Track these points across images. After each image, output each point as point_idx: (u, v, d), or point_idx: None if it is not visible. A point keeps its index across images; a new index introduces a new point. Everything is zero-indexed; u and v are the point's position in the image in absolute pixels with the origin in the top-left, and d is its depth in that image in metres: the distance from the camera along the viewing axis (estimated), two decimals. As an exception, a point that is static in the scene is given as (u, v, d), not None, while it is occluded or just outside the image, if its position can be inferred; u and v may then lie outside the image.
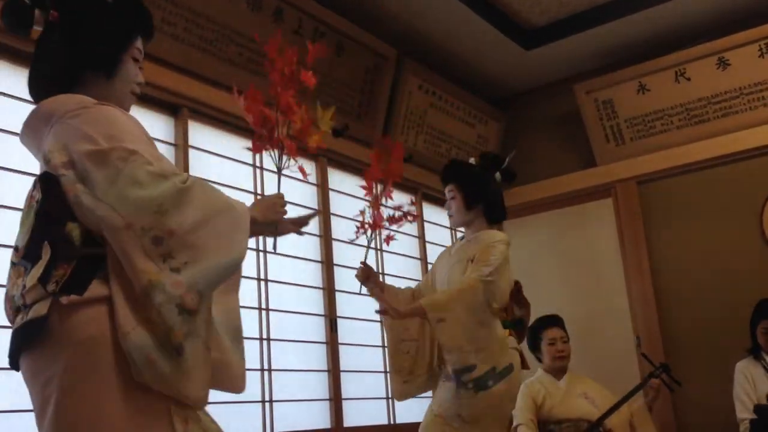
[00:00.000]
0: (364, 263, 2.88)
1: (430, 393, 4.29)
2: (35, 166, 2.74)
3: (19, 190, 2.68)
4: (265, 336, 3.47)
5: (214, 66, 3.41)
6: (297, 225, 1.84)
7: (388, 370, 2.98)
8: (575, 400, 3.82)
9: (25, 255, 1.46)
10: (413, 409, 4.27)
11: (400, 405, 4.17)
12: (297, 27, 3.73)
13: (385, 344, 4.19)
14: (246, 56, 3.53)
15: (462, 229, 3.19)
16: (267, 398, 3.41)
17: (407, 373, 2.94)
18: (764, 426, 3.51)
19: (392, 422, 4.11)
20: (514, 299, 2.98)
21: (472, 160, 3.13)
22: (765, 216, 4.32)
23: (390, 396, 4.14)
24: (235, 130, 3.57)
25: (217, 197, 1.52)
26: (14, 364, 1.48)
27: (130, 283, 1.40)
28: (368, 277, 2.88)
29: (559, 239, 5.00)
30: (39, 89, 1.62)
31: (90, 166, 1.44)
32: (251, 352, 3.40)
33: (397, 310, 2.70)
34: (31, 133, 1.58)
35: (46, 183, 1.47)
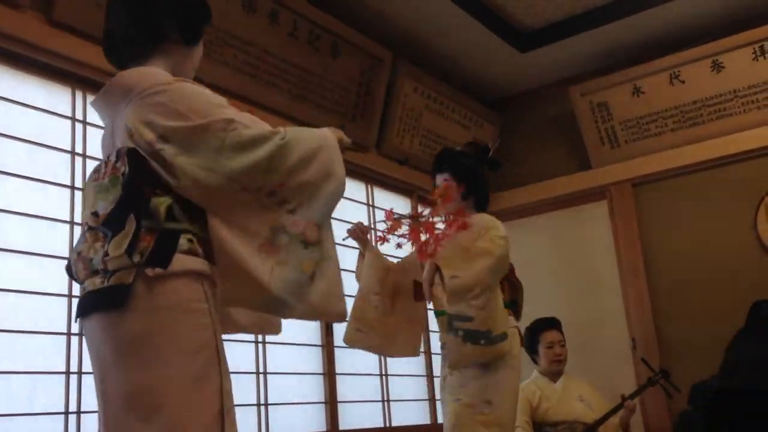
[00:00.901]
0: (360, 224, 2.99)
1: (426, 394, 4.29)
2: (32, 171, 2.73)
3: (32, 198, 2.69)
4: (260, 339, 3.46)
5: (208, 68, 3.39)
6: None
7: (345, 324, 2.95)
8: (571, 403, 3.83)
9: (106, 222, 1.55)
10: (409, 412, 4.28)
11: (395, 408, 4.17)
12: (292, 29, 3.73)
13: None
14: (241, 59, 3.52)
15: None
16: (262, 401, 3.40)
17: (366, 324, 2.91)
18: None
19: (388, 425, 4.11)
20: (508, 280, 2.97)
21: (458, 149, 3.16)
22: (760, 218, 4.33)
23: (387, 399, 4.14)
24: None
25: (311, 138, 1.67)
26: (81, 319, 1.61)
27: (247, 241, 1.57)
28: (361, 236, 2.98)
29: (554, 242, 5.00)
30: (119, 48, 1.72)
31: (189, 138, 1.56)
32: (246, 356, 3.40)
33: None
34: (107, 102, 1.68)
35: (134, 158, 1.56)
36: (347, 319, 1.73)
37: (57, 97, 2.89)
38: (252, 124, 1.62)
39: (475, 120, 5.07)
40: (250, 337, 3.42)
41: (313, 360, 3.76)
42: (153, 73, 1.65)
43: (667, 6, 4.29)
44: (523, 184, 5.08)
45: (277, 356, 3.54)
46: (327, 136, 1.72)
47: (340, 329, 3.89)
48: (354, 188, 4.32)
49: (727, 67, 4.39)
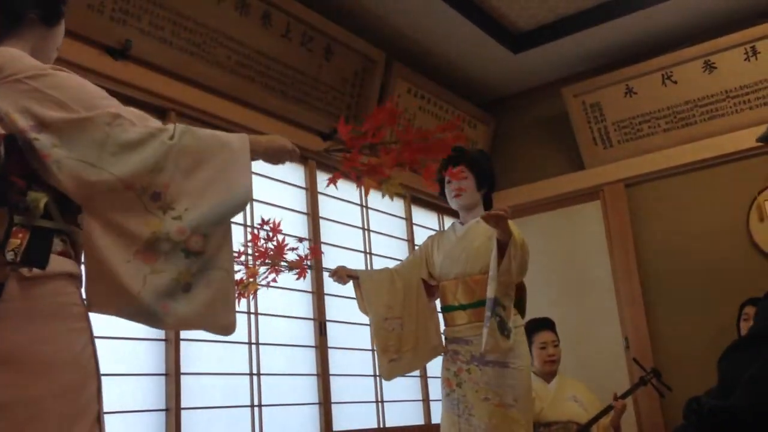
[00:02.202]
0: (337, 270, 3.05)
1: (420, 394, 4.29)
2: None
3: None
4: (254, 340, 3.46)
5: (202, 69, 3.40)
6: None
7: (376, 361, 2.98)
8: (565, 403, 3.84)
9: None
10: (403, 413, 4.27)
11: (389, 409, 4.17)
12: (285, 31, 3.73)
13: (374, 347, 4.20)
14: (234, 60, 3.52)
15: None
16: (256, 402, 3.40)
17: (394, 351, 2.97)
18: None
19: (382, 426, 4.11)
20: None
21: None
22: (752, 218, 4.35)
23: (381, 400, 4.14)
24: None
25: (208, 140, 1.56)
26: None
27: (125, 244, 1.45)
28: (343, 276, 3.04)
29: (547, 242, 5.01)
30: None
31: (70, 131, 1.44)
32: (240, 357, 3.39)
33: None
34: None
35: (11, 146, 1.42)
36: (232, 323, 1.61)
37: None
38: (139, 120, 1.51)
39: (469, 121, 5.08)
40: (244, 338, 3.42)
41: (307, 361, 3.76)
42: (21, 55, 1.52)
43: (660, 7, 4.30)
44: (516, 184, 5.09)
45: (271, 357, 3.53)
46: (231, 142, 1.59)
47: (333, 330, 3.90)
48: (348, 190, 4.32)
49: (719, 68, 4.41)
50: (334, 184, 1.96)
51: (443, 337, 3.07)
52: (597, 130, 4.83)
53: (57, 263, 1.42)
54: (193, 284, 1.49)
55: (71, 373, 1.41)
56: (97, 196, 1.45)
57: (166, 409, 3.00)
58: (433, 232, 5.02)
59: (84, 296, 1.49)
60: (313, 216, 3.97)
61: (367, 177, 1.94)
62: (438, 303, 3.16)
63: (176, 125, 1.54)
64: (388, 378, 3.04)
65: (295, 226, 3.87)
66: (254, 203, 3.64)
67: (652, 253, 4.64)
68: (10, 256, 1.37)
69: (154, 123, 1.54)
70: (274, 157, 1.73)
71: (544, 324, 4.01)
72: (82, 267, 1.52)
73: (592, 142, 4.86)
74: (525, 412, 2.88)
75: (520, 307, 3.08)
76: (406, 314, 3.01)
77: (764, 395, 1.12)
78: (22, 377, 1.36)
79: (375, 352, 3.00)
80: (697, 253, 4.47)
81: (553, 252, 4.99)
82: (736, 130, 4.40)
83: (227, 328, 1.57)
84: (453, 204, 3.14)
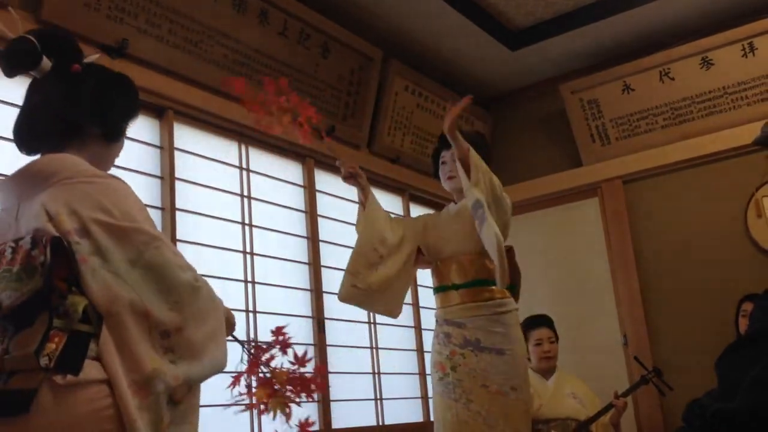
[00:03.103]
0: (355, 166, 2.91)
1: (419, 392, 4.28)
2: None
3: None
4: (252, 338, 3.46)
5: (199, 68, 3.39)
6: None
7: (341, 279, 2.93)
8: (563, 400, 3.84)
9: (10, 316, 1.39)
10: (402, 410, 4.28)
11: (388, 406, 4.17)
12: (282, 29, 3.72)
13: (373, 345, 4.20)
14: (231, 58, 3.52)
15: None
16: (254, 400, 3.39)
17: (361, 281, 2.89)
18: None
19: (381, 423, 4.11)
20: (510, 264, 2.99)
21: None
22: (750, 214, 4.35)
23: (380, 397, 4.14)
24: (221, 132, 3.56)
25: (215, 298, 1.59)
26: None
27: (128, 368, 1.42)
28: (360, 180, 2.92)
29: (545, 239, 5.01)
30: (32, 136, 1.61)
31: (108, 240, 1.44)
32: (238, 355, 3.38)
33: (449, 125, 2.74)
34: (18, 184, 1.55)
35: (57, 249, 1.41)
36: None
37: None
38: (175, 250, 1.54)
39: (467, 118, 5.08)
40: (242, 336, 3.41)
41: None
42: (78, 161, 1.55)
43: (657, 3, 4.30)
44: (514, 181, 5.08)
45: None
46: (220, 302, 1.62)
47: (332, 327, 3.90)
48: (345, 186, 4.31)
49: (716, 64, 4.41)
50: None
51: (435, 318, 3.04)
52: (595, 127, 4.83)
53: (92, 369, 1.39)
54: None
55: None
56: (121, 312, 1.42)
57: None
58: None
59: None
60: (311, 214, 3.97)
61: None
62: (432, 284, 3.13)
63: (198, 274, 1.55)
64: (342, 299, 2.96)
65: (293, 224, 3.87)
66: (252, 201, 3.64)
67: (650, 249, 4.65)
68: (44, 361, 1.35)
69: (185, 259, 1.55)
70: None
71: (539, 321, 4.02)
72: None
73: (589, 138, 4.86)
74: (525, 400, 2.85)
75: (514, 292, 3.04)
76: (392, 262, 2.95)
77: (767, 397, 1.12)
78: None
79: (349, 273, 2.88)
80: (695, 250, 4.48)
81: (551, 249, 4.99)
82: (733, 127, 4.40)
83: None
84: (446, 186, 3.09)
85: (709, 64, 4.43)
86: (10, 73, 1.60)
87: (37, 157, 1.59)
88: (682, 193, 4.59)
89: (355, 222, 3.06)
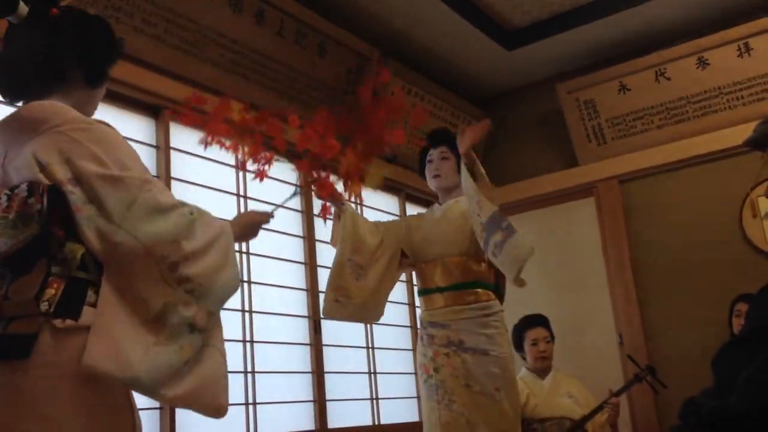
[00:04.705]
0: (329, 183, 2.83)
1: (414, 391, 4.29)
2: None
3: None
4: (248, 338, 3.46)
5: (195, 67, 3.39)
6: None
7: (322, 296, 2.91)
8: (559, 399, 3.84)
9: (7, 262, 1.42)
10: (398, 410, 4.28)
11: (384, 406, 4.18)
12: (279, 28, 3.72)
13: (369, 345, 4.20)
14: (228, 57, 3.52)
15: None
16: (250, 401, 3.40)
17: (342, 294, 2.87)
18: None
19: (376, 423, 4.11)
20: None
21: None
22: (744, 214, 4.36)
23: (375, 397, 4.14)
24: (217, 132, 3.56)
25: (214, 223, 1.61)
26: None
27: (132, 311, 1.45)
28: (335, 194, 2.87)
29: (541, 238, 5.01)
30: (16, 84, 1.61)
31: (103, 189, 1.45)
32: (234, 355, 3.39)
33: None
34: (4, 132, 1.55)
35: (54, 197, 1.44)
36: (225, 404, 1.59)
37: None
38: (166, 190, 1.56)
39: (463, 117, 5.08)
40: (238, 335, 3.41)
41: (302, 358, 3.76)
42: (67, 109, 1.54)
43: (653, 3, 4.31)
44: (510, 181, 5.09)
45: (265, 355, 3.53)
46: (224, 226, 1.65)
47: (328, 327, 3.90)
48: (341, 186, 4.31)
49: (712, 64, 4.42)
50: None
51: (419, 321, 3.02)
52: (591, 127, 4.84)
53: (90, 315, 1.42)
54: (193, 361, 1.49)
55: (94, 429, 1.41)
56: (119, 258, 1.45)
57: (160, 408, 3.01)
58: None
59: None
60: (308, 213, 3.97)
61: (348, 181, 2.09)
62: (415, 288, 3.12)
63: (193, 205, 1.58)
64: (325, 315, 2.95)
65: (289, 223, 3.87)
66: (248, 200, 3.64)
67: (646, 249, 4.65)
68: (44, 306, 1.39)
69: (175, 197, 1.57)
70: (250, 235, 1.83)
71: (535, 321, 4.02)
72: None
73: (585, 138, 4.86)
74: (511, 403, 2.80)
75: (499, 293, 3.03)
76: (371, 269, 2.93)
77: (763, 396, 1.12)
78: (40, 429, 1.36)
79: (329, 289, 2.87)
80: (690, 249, 4.48)
81: (547, 249, 4.99)
82: (729, 126, 4.40)
83: (218, 409, 1.55)
84: (432, 184, 3.09)
85: (705, 64, 4.44)
86: None
87: (20, 104, 1.59)
88: (678, 193, 4.60)
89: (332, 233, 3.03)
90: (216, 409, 1.54)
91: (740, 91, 4.39)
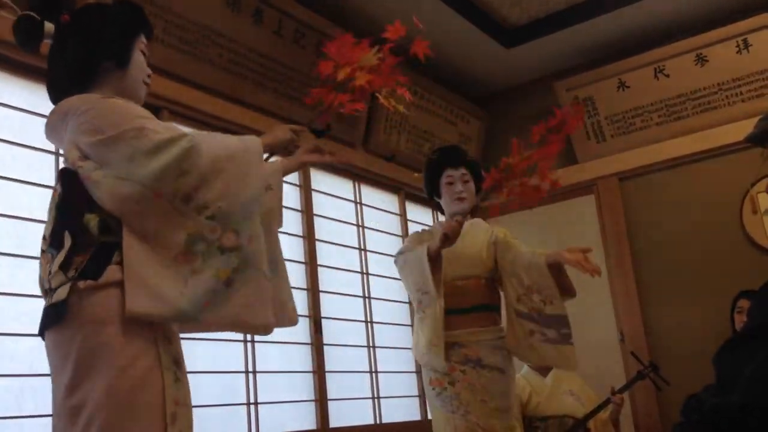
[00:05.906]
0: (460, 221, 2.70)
1: (416, 390, 4.28)
2: (33, 175, 2.71)
3: (15, 199, 2.66)
4: (249, 338, 3.45)
5: (193, 67, 3.39)
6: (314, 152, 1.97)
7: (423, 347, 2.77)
8: (561, 397, 3.84)
9: (51, 243, 1.60)
10: (399, 409, 4.28)
11: (385, 405, 4.17)
12: (277, 28, 3.72)
13: (370, 344, 4.20)
14: (226, 57, 3.51)
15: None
16: (252, 400, 3.39)
17: (437, 338, 2.74)
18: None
19: (378, 422, 4.11)
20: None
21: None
22: (744, 210, 4.36)
23: (377, 396, 4.14)
24: (216, 131, 3.55)
25: (224, 143, 1.66)
26: (44, 338, 1.65)
27: (160, 250, 1.53)
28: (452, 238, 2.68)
29: (541, 236, 5.01)
30: (58, 92, 1.73)
31: (105, 151, 1.57)
32: (235, 354, 3.39)
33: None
34: (52, 132, 1.73)
35: (66, 177, 1.61)
36: (271, 323, 1.65)
37: (39, 96, 2.87)
38: (164, 130, 1.60)
39: (462, 116, 5.08)
40: (239, 336, 3.41)
41: (303, 358, 3.76)
42: (85, 97, 1.66)
43: (651, 0, 4.30)
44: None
45: (267, 354, 3.53)
46: (246, 140, 1.71)
47: (328, 327, 3.90)
48: (341, 185, 4.32)
49: (711, 61, 4.41)
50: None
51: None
52: (590, 125, 4.83)
53: (115, 272, 1.53)
54: (234, 280, 1.55)
55: (124, 376, 1.49)
56: (132, 208, 1.54)
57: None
58: (427, 227, 5.02)
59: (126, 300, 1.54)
60: (307, 213, 3.97)
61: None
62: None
63: (198, 132, 1.65)
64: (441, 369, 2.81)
65: (289, 222, 3.86)
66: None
67: (646, 246, 4.65)
68: (71, 273, 1.53)
69: (178, 130, 1.63)
70: (279, 137, 1.86)
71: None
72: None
73: (585, 136, 4.86)
74: (518, 418, 2.92)
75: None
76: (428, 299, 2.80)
77: (765, 393, 1.12)
78: (79, 381, 1.50)
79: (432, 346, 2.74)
80: (690, 246, 4.48)
81: (547, 246, 4.95)
82: (728, 123, 4.41)
83: (266, 327, 1.64)
84: (454, 207, 2.97)
85: (704, 61, 4.43)
86: (27, 49, 1.75)
87: None
88: (678, 190, 4.60)
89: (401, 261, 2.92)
90: (261, 327, 1.64)
91: (739, 88, 4.39)
